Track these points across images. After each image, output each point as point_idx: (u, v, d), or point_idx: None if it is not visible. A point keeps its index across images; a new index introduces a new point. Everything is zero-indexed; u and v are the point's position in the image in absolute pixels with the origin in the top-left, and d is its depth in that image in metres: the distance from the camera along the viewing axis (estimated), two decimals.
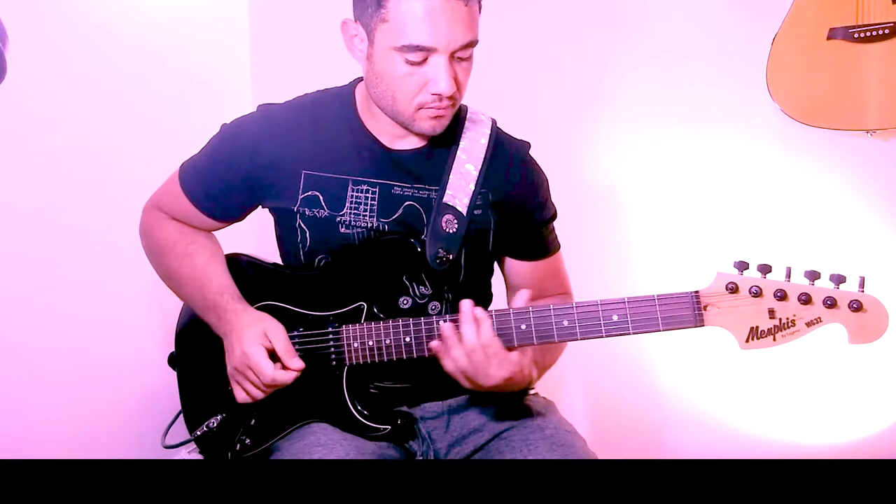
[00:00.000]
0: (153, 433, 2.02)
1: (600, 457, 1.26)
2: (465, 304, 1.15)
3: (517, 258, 1.38)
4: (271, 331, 1.21)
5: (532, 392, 1.40)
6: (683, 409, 2.06)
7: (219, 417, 1.30)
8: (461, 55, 1.17)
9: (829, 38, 1.68)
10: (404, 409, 1.31)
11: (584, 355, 1.97)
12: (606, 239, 2.09)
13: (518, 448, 1.23)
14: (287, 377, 1.20)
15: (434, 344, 1.17)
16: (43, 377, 1.81)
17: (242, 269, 1.35)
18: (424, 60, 1.15)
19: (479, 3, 1.19)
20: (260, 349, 1.20)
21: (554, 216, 1.40)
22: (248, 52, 2.47)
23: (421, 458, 1.30)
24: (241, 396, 1.25)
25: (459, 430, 1.32)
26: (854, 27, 1.65)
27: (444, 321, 1.17)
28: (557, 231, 1.43)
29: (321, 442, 1.21)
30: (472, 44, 1.17)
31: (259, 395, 1.23)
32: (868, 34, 1.64)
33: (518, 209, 1.33)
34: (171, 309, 2.05)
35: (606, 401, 2.13)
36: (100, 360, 1.95)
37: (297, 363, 1.21)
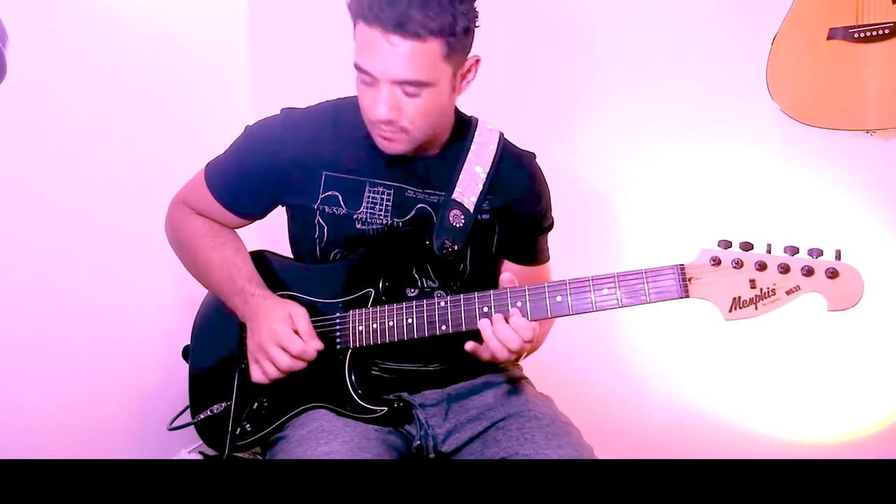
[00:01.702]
0: (153, 433, 2.03)
1: (595, 449, 1.28)
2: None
3: (511, 261, 1.45)
4: (296, 314, 1.28)
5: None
6: (680, 405, 2.06)
7: (223, 404, 1.37)
8: (408, 91, 1.20)
9: (829, 38, 1.68)
10: (404, 395, 1.36)
11: (580, 351, 1.99)
12: (607, 240, 2.10)
13: (514, 437, 1.28)
14: (312, 354, 1.26)
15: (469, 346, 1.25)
16: (43, 378, 1.81)
17: (264, 262, 1.42)
18: (373, 84, 1.21)
19: (444, 50, 1.18)
20: (287, 327, 1.26)
21: (551, 226, 1.47)
22: (248, 48, 2.48)
23: (419, 443, 1.34)
24: (257, 375, 1.29)
25: (457, 417, 1.37)
26: (854, 27, 1.65)
27: (446, 302, 1.24)
28: (559, 231, 1.48)
29: (325, 428, 1.26)
30: (416, 83, 1.19)
31: (276, 373, 1.27)
32: (868, 34, 1.64)
33: (522, 215, 1.40)
34: (171, 310, 2.07)
35: (601, 396, 2.13)
36: (100, 361, 1.95)
37: (318, 344, 1.27)
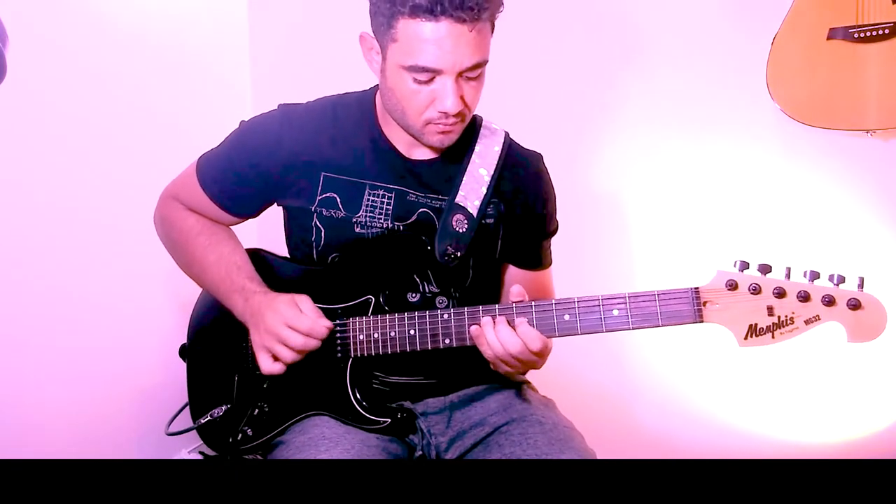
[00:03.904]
0: (153, 433, 2.03)
1: (597, 452, 1.28)
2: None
3: (514, 265, 1.42)
4: (299, 298, 1.25)
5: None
6: (682, 408, 2.06)
7: (224, 408, 1.33)
8: (469, 75, 1.19)
9: (829, 38, 1.68)
10: (406, 404, 1.34)
11: (582, 354, 1.99)
12: (610, 240, 2.09)
13: (517, 442, 1.25)
14: (322, 331, 1.22)
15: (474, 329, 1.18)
16: (42, 378, 1.81)
17: (260, 261, 1.38)
18: (431, 80, 1.18)
19: (492, 23, 1.20)
20: (293, 308, 1.22)
21: (555, 230, 1.44)
22: (248, 50, 2.48)
23: (421, 452, 1.32)
24: (267, 366, 1.24)
25: (461, 424, 1.35)
26: (854, 27, 1.65)
27: (449, 315, 1.20)
28: (564, 233, 1.45)
29: (326, 435, 1.23)
30: (479, 65, 1.19)
31: (290, 355, 1.22)
32: (868, 34, 1.64)
33: (528, 219, 1.37)
34: (170, 309, 2.06)
35: (604, 399, 2.13)
36: (99, 361, 1.95)
37: (327, 321, 1.23)
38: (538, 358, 1.18)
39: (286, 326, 1.21)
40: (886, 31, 1.62)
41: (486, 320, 1.17)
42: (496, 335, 1.16)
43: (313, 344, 1.22)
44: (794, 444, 1.95)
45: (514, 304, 1.18)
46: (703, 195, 1.99)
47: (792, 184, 1.90)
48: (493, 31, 1.22)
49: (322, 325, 1.22)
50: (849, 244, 1.85)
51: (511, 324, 1.16)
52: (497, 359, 1.18)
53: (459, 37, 1.14)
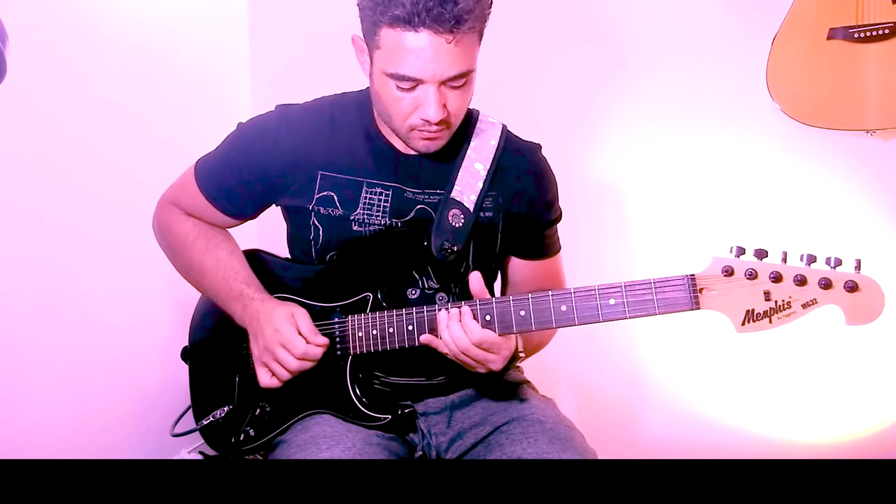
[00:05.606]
0: (153, 433, 2.03)
1: (598, 452, 1.28)
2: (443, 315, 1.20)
3: (519, 256, 1.41)
4: (297, 313, 1.25)
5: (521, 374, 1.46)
6: (682, 408, 2.06)
7: (226, 409, 1.34)
8: (453, 84, 1.19)
9: (829, 38, 1.68)
10: (407, 402, 1.34)
11: (581, 354, 1.99)
12: (610, 239, 2.09)
13: (518, 440, 1.25)
14: (317, 352, 1.23)
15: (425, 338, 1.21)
16: (43, 378, 1.81)
17: (259, 263, 1.38)
18: (414, 87, 1.18)
19: (480, 32, 1.19)
20: (291, 327, 1.23)
21: (559, 218, 1.43)
22: (249, 51, 2.48)
23: (421, 451, 1.33)
24: (265, 380, 1.26)
25: (461, 424, 1.35)
26: (854, 27, 1.65)
27: (448, 309, 1.20)
28: (562, 224, 1.45)
29: (328, 433, 1.24)
30: (463, 74, 1.18)
31: (286, 375, 1.25)
32: (868, 34, 1.64)
33: (527, 209, 1.37)
34: (172, 310, 2.07)
35: (604, 399, 2.13)
36: (100, 361, 1.95)
37: (322, 339, 1.24)
38: (488, 354, 1.18)
39: (282, 347, 1.23)
40: (886, 31, 1.62)
41: (441, 315, 1.19)
42: (448, 331, 1.18)
43: (308, 365, 1.24)
44: (794, 443, 1.95)
45: (511, 298, 1.18)
46: (702, 194, 1.99)
47: (792, 183, 1.90)
48: (481, 40, 1.20)
49: (316, 347, 1.23)
50: (848, 243, 1.85)
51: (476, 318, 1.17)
52: (452, 355, 1.20)
53: (439, 47, 1.13)
